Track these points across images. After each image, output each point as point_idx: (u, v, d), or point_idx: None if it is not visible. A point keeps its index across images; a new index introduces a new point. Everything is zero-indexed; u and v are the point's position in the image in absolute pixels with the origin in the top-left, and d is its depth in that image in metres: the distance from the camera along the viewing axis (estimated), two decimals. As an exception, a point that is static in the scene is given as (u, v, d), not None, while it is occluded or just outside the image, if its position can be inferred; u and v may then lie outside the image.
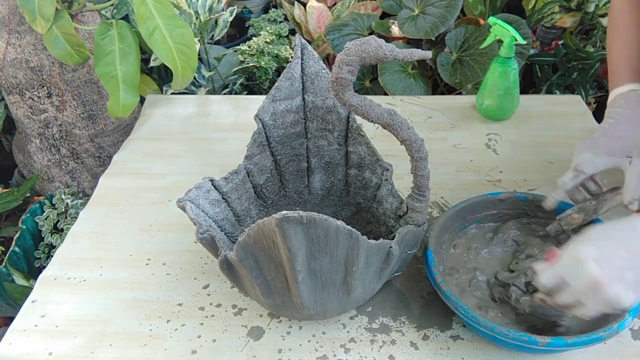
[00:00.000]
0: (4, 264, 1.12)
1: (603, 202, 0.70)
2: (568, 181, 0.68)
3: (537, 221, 0.77)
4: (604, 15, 1.56)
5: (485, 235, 0.77)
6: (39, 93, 1.21)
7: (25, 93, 1.21)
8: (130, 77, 1.06)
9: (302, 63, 0.78)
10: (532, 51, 1.59)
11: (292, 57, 0.78)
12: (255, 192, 0.80)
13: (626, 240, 0.48)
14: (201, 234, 0.63)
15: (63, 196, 1.23)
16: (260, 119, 0.77)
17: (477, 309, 0.68)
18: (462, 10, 1.40)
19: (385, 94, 1.33)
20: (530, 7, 1.54)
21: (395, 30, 1.41)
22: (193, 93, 1.50)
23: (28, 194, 1.24)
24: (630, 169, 0.63)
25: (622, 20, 0.74)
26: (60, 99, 1.23)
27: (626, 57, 0.72)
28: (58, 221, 1.21)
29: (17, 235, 1.17)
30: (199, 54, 1.38)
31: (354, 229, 0.54)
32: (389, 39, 1.43)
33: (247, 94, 1.62)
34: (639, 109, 0.67)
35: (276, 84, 0.78)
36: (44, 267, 0.91)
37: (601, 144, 0.68)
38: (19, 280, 1.13)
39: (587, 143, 0.69)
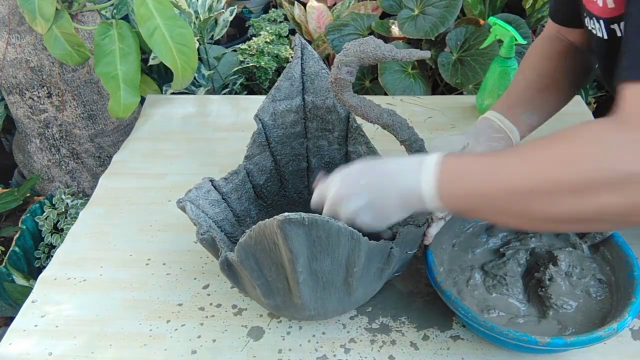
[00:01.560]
0: (4, 264, 1.12)
1: None
2: None
3: None
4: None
5: (480, 236, 0.78)
6: (39, 93, 1.21)
7: (25, 93, 1.21)
8: (131, 77, 1.06)
9: (302, 63, 0.78)
10: (532, 51, 1.58)
11: (292, 57, 0.78)
12: (255, 193, 0.80)
13: (369, 172, 0.56)
14: (201, 234, 0.63)
15: (63, 196, 1.23)
16: (260, 119, 0.77)
17: (477, 309, 0.68)
18: (462, 10, 1.41)
19: (385, 94, 1.33)
20: (528, 6, 1.54)
21: (395, 30, 1.41)
22: (193, 93, 1.50)
23: (28, 194, 1.24)
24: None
25: (538, 48, 0.80)
26: (60, 99, 1.23)
27: (514, 87, 0.78)
28: (58, 221, 1.21)
29: (17, 235, 1.17)
30: (198, 54, 1.38)
31: (355, 230, 0.54)
32: (388, 39, 1.43)
33: (247, 94, 1.62)
34: (482, 128, 0.75)
35: (276, 84, 0.78)
36: (44, 267, 0.91)
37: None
38: (19, 280, 1.13)
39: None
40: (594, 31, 0.62)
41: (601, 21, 0.59)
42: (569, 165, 0.45)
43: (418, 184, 0.52)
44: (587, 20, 0.63)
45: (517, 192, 0.48)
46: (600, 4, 0.57)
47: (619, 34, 0.58)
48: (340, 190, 0.56)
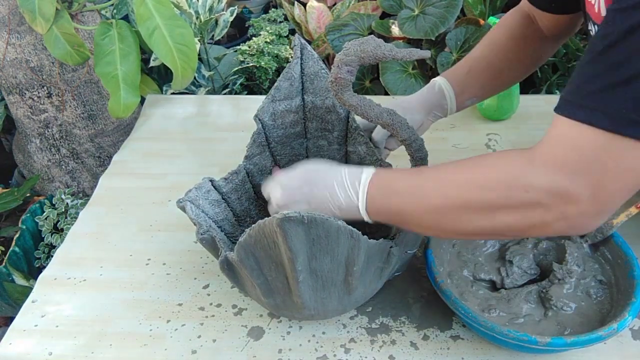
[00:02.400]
0: (4, 264, 1.12)
1: None
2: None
3: None
4: (604, 15, 1.55)
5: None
6: (39, 93, 1.21)
7: (25, 93, 1.21)
8: (131, 77, 1.06)
9: (301, 63, 0.78)
10: (532, 51, 1.58)
11: (292, 57, 0.78)
12: (255, 193, 0.80)
13: (310, 183, 0.61)
14: (201, 234, 0.63)
15: (63, 196, 1.23)
16: (259, 119, 0.77)
17: (479, 309, 0.68)
18: (462, 10, 1.40)
19: (386, 93, 1.33)
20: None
21: (395, 30, 1.41)
22: (193, 93, 1.50)
23: (28, 194, 1.24)
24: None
25: (496, 32, 0.80)
26: (60, 99, 1.23)
27: (475, 63, 0.79)
28: (58, 221, 1.21)
29: (17, 235, 1.17)
30: (199, 54, 1.38)
31: (354, 229, 0.54)
32: (389, 39, 1.43)
33: (247, 94, 1.62)
34: (427, 99, 0.79)
35: (276, 84, 0.78)
36: (44, 267, 0.91)
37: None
38: (19, 280, 1.12)
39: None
40: (591, 32, 0.62)
41: (596, 26, 0.59)
42: (477, 190, 0.51)
43: (353, 200, 0.58)
44: (588, 23, 0.63)
45: (430, 211, 0.54)
46: (596, 10, 0.57)
47: None
48: (282, 199, 0.62)
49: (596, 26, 0.59)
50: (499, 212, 0.50)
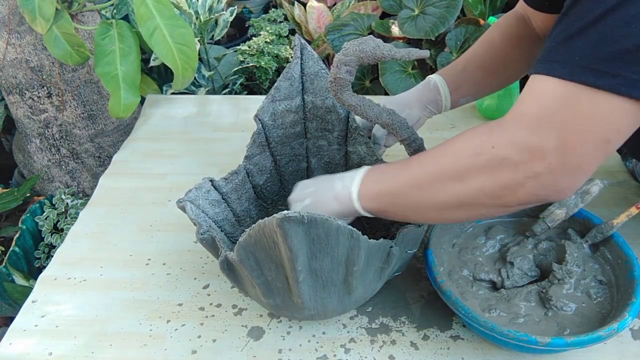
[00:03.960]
0: (4, 264, 1.12)
1: (583, 195, 0.71)
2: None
3: (524, 221, 0.79)
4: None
5: (479, 236, 0.78)
6: (39, 93, 1.21)
7: (25, 93, 1.21)
8: (131, 77, 1.06)
9: (301, 63, 0.78)
10: (532, 51, 1.58)
11: (292, 57, 0.78)
12: (255, 193, 0.80)
13: (316, 184, 0.66)
14: (201, 234, 0.63)
15: (63, 196, 1.23)
16: (259, 119, 0.77)
17: (479, 309, 0.68)
18: (462, 10, 1.40)
19: (386, 93, 1.33)
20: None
21: (395, 30, 1.41)
22: (193, 93, 1.49)
23: (28, 194, 1.24)
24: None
25: (491, 33, 0.81)
26: (60, 99, 1.23)
27: (469, 63, 0.80)
28: (58, 221, 1.21)
29: (17, 235, 1.17)
30: (199, 54, 1.38)
31: (354, 229, 0.54)
32: (389, 39, 1.43)
33: (247, 94, 1.62)
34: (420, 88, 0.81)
35: (276, 84, 0.78)
36: (44, 267, 0.91)
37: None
38: (19, 280, 1.12)
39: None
40: None
41: None
42: (450, 157, 0.54)
43: (348, 187, 0.62)
44: None
45: (413, 186, 0.57)
46: None
47: None
48: (292, 197, 0.69)
49: None
50: (471, 175, 0.51)
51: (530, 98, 0.49)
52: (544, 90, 0.47)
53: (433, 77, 0.80)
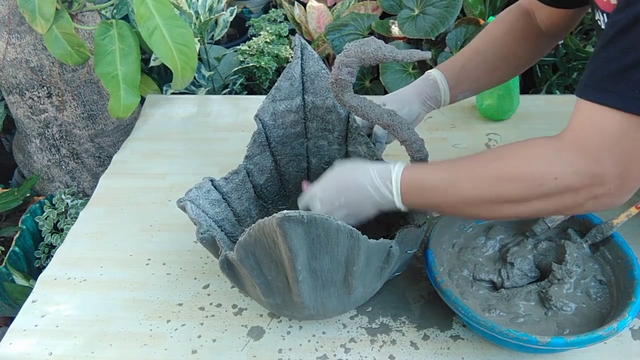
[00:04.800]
0: (4, 264, 1.12)
1: None
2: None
3: (524, 221, 0.78)
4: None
5: (479, 236, 0.78)
6: (39, 93, 1.21)
7: (25, 93, 1.21)
8: (131, 77, 1.06)
9: (302, 63, 0.78)
10: (532, 51, 1.58)
11: (292, 57, 0.78)
12: (255, 192, 0.80)
13: (345, 190, 0.63)
14: (201, 234, 0.63)
15: (63, 196, 1.23)
16: (260, 119, 0.77)
17: (479, 309, 0.68)
18: (462, 10, 1.40)
19: (386, 93, 1.33)
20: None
21: (395, 30, 1.41)
22: (193, 93, 1.49)
23: (28, 194, 1.24)
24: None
25: (493, 28, 0.81)
26: (60, 99, 1.23)
27: (468, 59, 0.80)
28: (58, 221, 1.21)
29: (17, 235, 1.17)
30: (199, 54, 1.38)
31: (354, 229, 0.54)
32: (389, 39, 1.43)
33: (247, 94, 1.62)
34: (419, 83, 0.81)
35: (276, 84, 0.78)
36: (44, 267, 0.91)
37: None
38: (19, 280, 1.12)
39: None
40: (599, 22, 0.62)
41: (604, 14, 0.59)
42: (508, 185, 0.54)
43: (389, 198, 0.61)
44: (595, 12, 0.63)
45: (468, 204, 0.57)
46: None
47: None
48: (323, 210, 0.64)
49: (604, 15, 0.60)
50: (535, 201, 0.53)
51: (587, 126, 0.50)
52: (603, 120, 0.49)
53: (432, 73, 0.79)
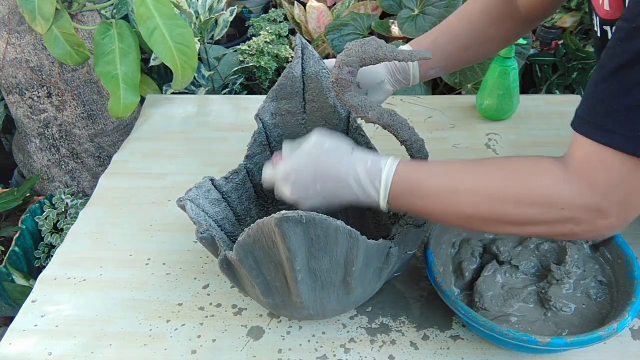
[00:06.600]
0: (4, 264, 1.12)
1: None
2: None
3: None
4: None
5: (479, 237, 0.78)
6: (39, 93, 1.21)
7: (25, 93, 1.21)
8: (131, 77, 1.06)
9: (302, 63, 0.78)
10: (532, 51, 1.59)
11: (292, 57, 0.78)
12: (255, 192, 0.80)
13: (322, 177, 0.58)
14: (201, 233, 0.63)
15: (63, 196, 1.23)
16: (260, 119, 0.77)
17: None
18: (462, 11, 1.40)
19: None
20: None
21: (395, 30, 1.41)
22: (193, 93, 1.50)
23: (28, 194, 1.24)
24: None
25: (471, 5, 0.78)
26: (60, 99, 1.23)
27: (441, 34, 0.78)
28: (58, 221, 1.21)
29: (17, 235, 1.17)
30: (199, 54, 1.38)
31: (353, 229, 0.54)
32: (389, 39, 1.43)
33: (247, 94, 1.62)
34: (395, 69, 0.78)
35: (277, 83, 0.78)
36: (44, 267, 0.91)
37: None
38: (19, 280, 1.13)
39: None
40: (595, 27, 0.62)
41: (598, 19, 0.59)
42: (514, 206, 0.53)
43: (373, 198, 0.58)
44: (593, 15, 0.63)
45: (462, 218, 0.55)
46: (600, 2, 0.57)
47: (609, 37, 0.58)
48: (294, 195, 0.60)
49: (598, 18, 0.59)
50: (532, 226, 0.53)
51: (595, 164, 0.50)
52: (609, 160, 0.49)
53: (402, 48, 0.77)
